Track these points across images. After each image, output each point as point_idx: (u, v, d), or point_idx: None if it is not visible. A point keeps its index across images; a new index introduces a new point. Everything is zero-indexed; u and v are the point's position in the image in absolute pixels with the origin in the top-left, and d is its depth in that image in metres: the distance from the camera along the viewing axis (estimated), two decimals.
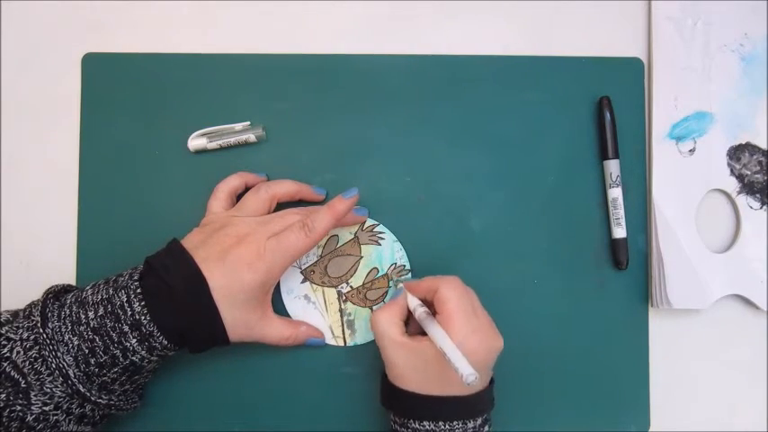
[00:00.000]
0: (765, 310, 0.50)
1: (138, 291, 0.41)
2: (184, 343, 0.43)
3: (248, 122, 0.51)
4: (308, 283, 0.50)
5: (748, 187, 0.51)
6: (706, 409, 0.51)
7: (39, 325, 0.40)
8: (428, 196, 0.51)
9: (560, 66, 0.52)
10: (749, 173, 0.51)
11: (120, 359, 0.41)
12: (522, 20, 0.52)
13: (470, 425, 0.41)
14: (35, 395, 0.39)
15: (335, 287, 0.50)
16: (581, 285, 0.51)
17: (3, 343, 0.40)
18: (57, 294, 0.44)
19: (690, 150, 0.51)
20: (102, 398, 0.41)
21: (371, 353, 0.49)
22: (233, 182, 0.48)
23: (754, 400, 0.51)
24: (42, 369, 0.39)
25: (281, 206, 0.48)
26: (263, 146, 0.51)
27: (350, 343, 0.50)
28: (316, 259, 0.50)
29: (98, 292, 0.42)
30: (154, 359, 0.42)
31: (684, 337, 0.51)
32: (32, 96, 0.52)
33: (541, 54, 0.52)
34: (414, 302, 0.44)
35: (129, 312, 0.40)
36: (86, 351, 0.40)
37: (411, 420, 0.42)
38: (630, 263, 0.50)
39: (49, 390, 0.39)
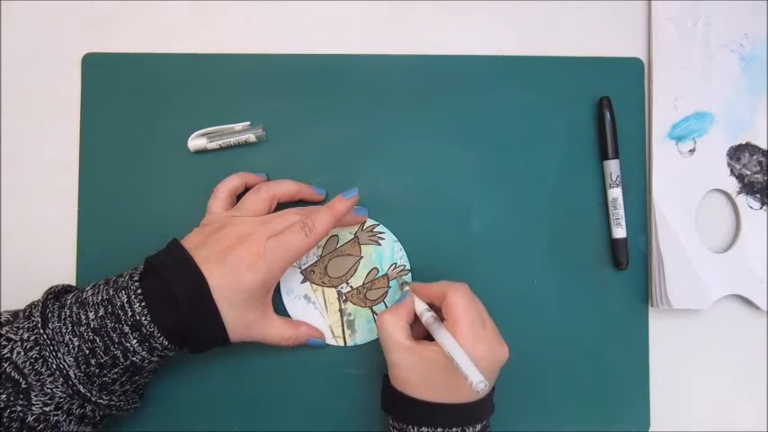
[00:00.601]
0: (765, 310, 0.50)
1: (139, 291, 0.41)
2: (185, 343, 0.43)
3: (248, 122, 0.50)
4: (308, 283, 0.50)
5: (748, 187, 0.51)
6: (706, 409, 0.51)
7: (39, 325, 0.40)
8: (428, 196, 0.51)
9: (560, 66, 0.52)
10: (749, 173, 0.51)
11: (121, 360, 0.41)
12: (522, 20, 0.52)
13: (469, 431, 0.41)
14: (36, 396, 0.39)
15: (335, 287, 0.50)
16: (581, 285, 0.51)
17: (3, 343, 0.40)
18: (57, 295, 0.43)
19: (690, 150, 0.51)
20: (102, 398, 0.41)
21: (371, 353, 0.49)
22: (233, 182, 0.48)
23: (754, 400, 0.51)
24: (43, 370, 0.39)
25: (281, 206, 0.48)
26: (263, 146, 0.51)
27: (350, 343, 0.50)
28: (316, 259, 0.50)
29: (98, 292, 0.42)
30: (154, 359, 0.42)
31: (684, 337, 0.51)
32: (32, 96, 0.52)
33: (541, 54, 0.52)
34: (421, 307, 0.44)
35: (130, 313, 0.40)
36: (87, 352, 0.40)
37: (410, 426, 0.42)
38: (630, 263, 0.50)
39: (49, 390, 0.39)
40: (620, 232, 0.50)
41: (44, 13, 0.52)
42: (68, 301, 0.42)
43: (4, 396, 0.39)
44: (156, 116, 0.51)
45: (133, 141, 0.51)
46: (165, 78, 0.51)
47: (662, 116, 0.51)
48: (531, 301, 0.51)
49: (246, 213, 0.46)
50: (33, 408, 0.39)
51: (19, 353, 0.39)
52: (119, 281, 0.42)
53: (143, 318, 0.40)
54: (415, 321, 0.44)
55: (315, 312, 0.50)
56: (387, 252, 0.50)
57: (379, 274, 0.50)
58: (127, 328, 0.40)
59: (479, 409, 0.42)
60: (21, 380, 0.39)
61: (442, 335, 0.40)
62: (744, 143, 0.51)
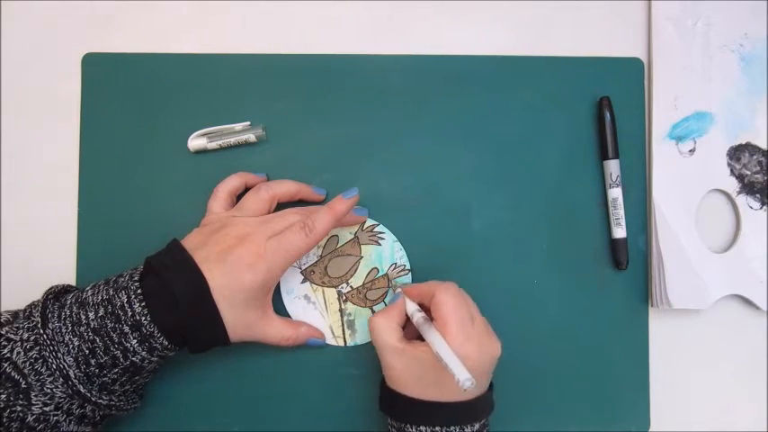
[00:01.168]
0: (765, 310, 0.50)
1: (139, 291, 0.41)
2: (185, 343, 0.43)
3: (248, 122, 0.50)
4: (308, 283, 0.50)
5: (748, 187, 0.51)
6: (706, 409, 0.51)
7: (39, 326, 0.40)
8: (428, 196, 0.51)
9: (560, 66, 0.52)
10: (749, 173, 0.51)
11: (121, 360, 0.41)
12: (522, 20, 0.52)
13: (467, 430, 0.41)
14: (35, 396, 0.39)
15: (335, 287, 0.50)
16: (581, 285, 0.51)
17: (3, 344, 0.40)
18: (57, 295, 0.43)
19: (690, 150, 0.51)
20: (102, 398, 0.41)
21: (371, 353, 0.49)
22: (233, 182, 0.48)
23: (754, 400, 0.51)
24: (43, 370, 0.39)
25: (281, 206, 0.48)
26: (263, 146, 0.51)
27: (350, 343, 0.50)
28: (316, 259, 0.50)
29: (98, 292, 0.42)
30: (154, 360, 0.42)
31: (684, 337, 0.51)
32: (32, 96, 0.52)
33: (541, 54, 0.52)
34: (412, 308, 0.44)
35: (130, 313, 0.40)
36: (87, 352, 0.40)
37: (408, 425, 0.42)
38: (630, 263, 0.50)
39: (49, 390, 0.39)
40: (620, 232, 0.50)
41: (44, 13, 0.52)
42: (68, 302, 0.42)
43: (3, 396, 0.39)
44: (155, 116, 0.51)
45: (133, 141, 0.51)
46: (164, 78, 0.51)
47: (662, 116, 0.51)
48: (531, 301, 0.51)
49: (246, 213, 0.46)
50: (33, 408, 0.39)
51: (19, 353, 0.39)
52: (119, 281, 0.42)
53: (143, 318, 0.40)
54: (408, 322, 0.44)
55: (315, 312, 0.50)
56: (387, 252, 0.50)
57: (379, 274, 0.50)
58: (127, 329, 0.40)
59: (477, 408, 0.42)
60: (21, 380, 0.39)
61: (430, 334, 0.41)
62: (744, 143, 0.51)
